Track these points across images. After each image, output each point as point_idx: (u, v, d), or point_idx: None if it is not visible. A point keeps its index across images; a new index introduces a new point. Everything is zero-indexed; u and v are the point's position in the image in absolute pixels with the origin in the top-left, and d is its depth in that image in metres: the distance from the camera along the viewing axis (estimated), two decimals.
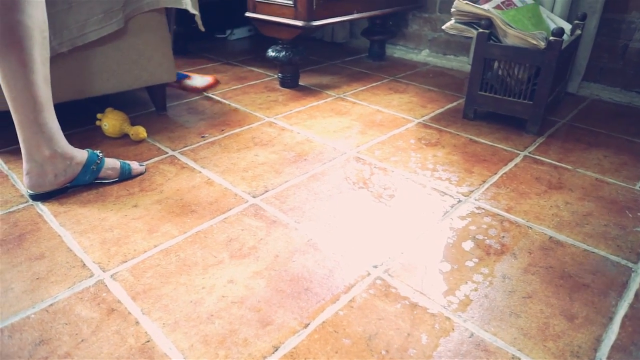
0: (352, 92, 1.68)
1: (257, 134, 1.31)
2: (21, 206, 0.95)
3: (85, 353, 0.63)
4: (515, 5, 1.45)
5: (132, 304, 0.72)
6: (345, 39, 2.41)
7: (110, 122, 1.24)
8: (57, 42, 1.10)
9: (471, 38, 1.95)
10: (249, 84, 1.74)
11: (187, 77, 1.74)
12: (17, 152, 1.17)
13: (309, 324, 0.69)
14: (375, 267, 0.81)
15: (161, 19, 1.29)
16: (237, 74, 1.85)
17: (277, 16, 1.52)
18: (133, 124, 1.28)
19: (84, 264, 0.80)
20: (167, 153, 1.19)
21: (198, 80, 1.72)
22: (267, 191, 1.03)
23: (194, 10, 1.28)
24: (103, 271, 0.78)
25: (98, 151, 1.03)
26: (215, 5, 2.30)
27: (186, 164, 1.14)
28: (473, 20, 1.37)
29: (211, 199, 0.99)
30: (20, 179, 1.05)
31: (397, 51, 2.20)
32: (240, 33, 2.45)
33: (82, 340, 0.65)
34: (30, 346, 0.64)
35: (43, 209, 0.95)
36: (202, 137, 1.24)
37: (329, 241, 0.87)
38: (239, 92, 1.64)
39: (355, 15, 1.67)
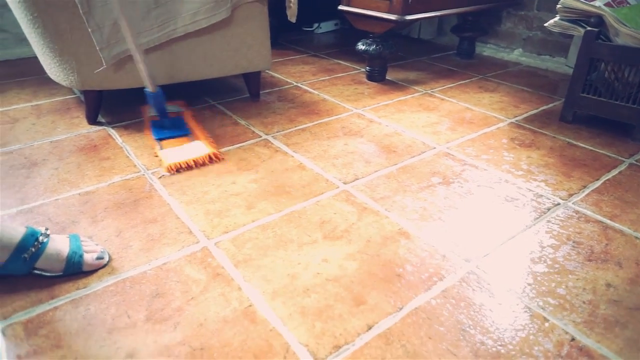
0: (439, 88, 1.65)
1: (345, 124, 1.34)
2: (134, 175, 1.05)
3: (195, 310, 0.69)
4: (627, 3, 1.35)
5: (234, 270, 0.77)
6: (431, 35, 2.38)
7: None
8: (171, 28, 1.20)
9: (571, 38, 1.84)
10: (336, 76, 1.77)
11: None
12: (130, 127, 1.28)
13: (402, 308, 0.70)
14: (468, 261, 0.80)
15: (263, 9, 1.35)
16: (324, 66, 1.89)
17: (371, 9, 1.53)
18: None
19: (191, 231, 0.87)
20: (260, 137, 1.25)
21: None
22: (357, 179, 1.05)
23: (290, 4, 1.33)
24: (207, 239, 0.85)
25: (43, 228, 0.75)
26: None
27: (279, 147, 1.19)
28: (580, 18, 1.30)
29: (304, 182, 1.03)
30: (134, 152, 1.15)
31: (486, 49, 2.13)
32: (326, 27, 2.49)
33: (192, 298, 0.71)
34: (148, 297, 0.71)
35: (153, 179, 1.04)
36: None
37: (420, 231, 0.87)
38: (327, 84, 1.68)
39: (449, 11, 1.64)
